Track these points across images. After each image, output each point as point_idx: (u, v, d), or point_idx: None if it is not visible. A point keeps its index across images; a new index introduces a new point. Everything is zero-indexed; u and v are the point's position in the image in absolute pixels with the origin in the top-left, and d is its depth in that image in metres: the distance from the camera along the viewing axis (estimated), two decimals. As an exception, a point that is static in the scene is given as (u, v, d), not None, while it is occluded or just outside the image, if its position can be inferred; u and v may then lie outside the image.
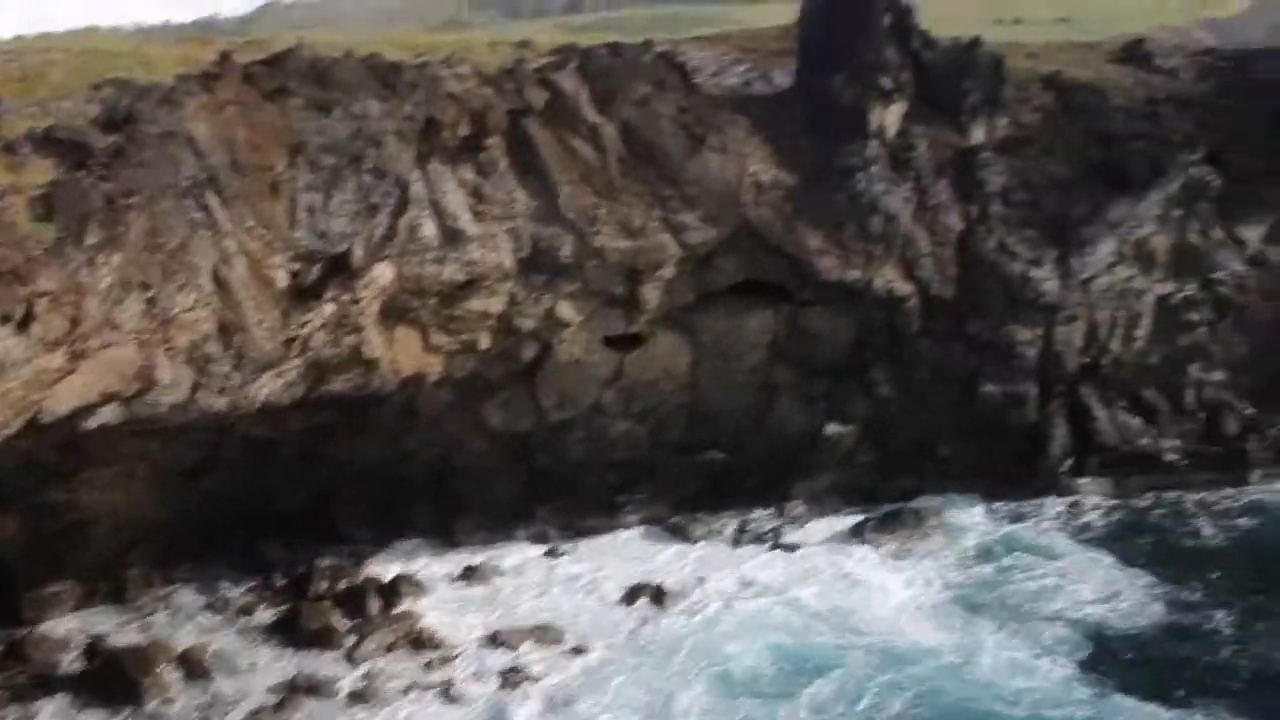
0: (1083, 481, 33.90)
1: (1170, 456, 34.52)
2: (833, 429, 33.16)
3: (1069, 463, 34.08)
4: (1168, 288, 36.09)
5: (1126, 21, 51.17)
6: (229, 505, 27.68)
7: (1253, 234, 37.13)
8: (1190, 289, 36.30)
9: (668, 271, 31.39)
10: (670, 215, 30.93)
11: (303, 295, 25.34)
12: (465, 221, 28.38)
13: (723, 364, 32.94)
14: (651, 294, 31.48)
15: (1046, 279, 34.02)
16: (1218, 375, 36.32)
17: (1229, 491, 33.78)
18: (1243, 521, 32.20)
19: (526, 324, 30.38)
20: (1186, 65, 41.17)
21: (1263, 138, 37.10)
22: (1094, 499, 33.53)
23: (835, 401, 33.54)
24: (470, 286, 28.91)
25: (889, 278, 33.29)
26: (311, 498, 29.28)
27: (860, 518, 31.69)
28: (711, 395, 32.99)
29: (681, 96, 31.45)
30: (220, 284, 23.67)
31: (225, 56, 26.00)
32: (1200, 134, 36.75)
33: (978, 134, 35.63)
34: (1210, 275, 36.44)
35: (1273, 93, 37.82)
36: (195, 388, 23.65)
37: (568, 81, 29.49)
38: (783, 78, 35.34)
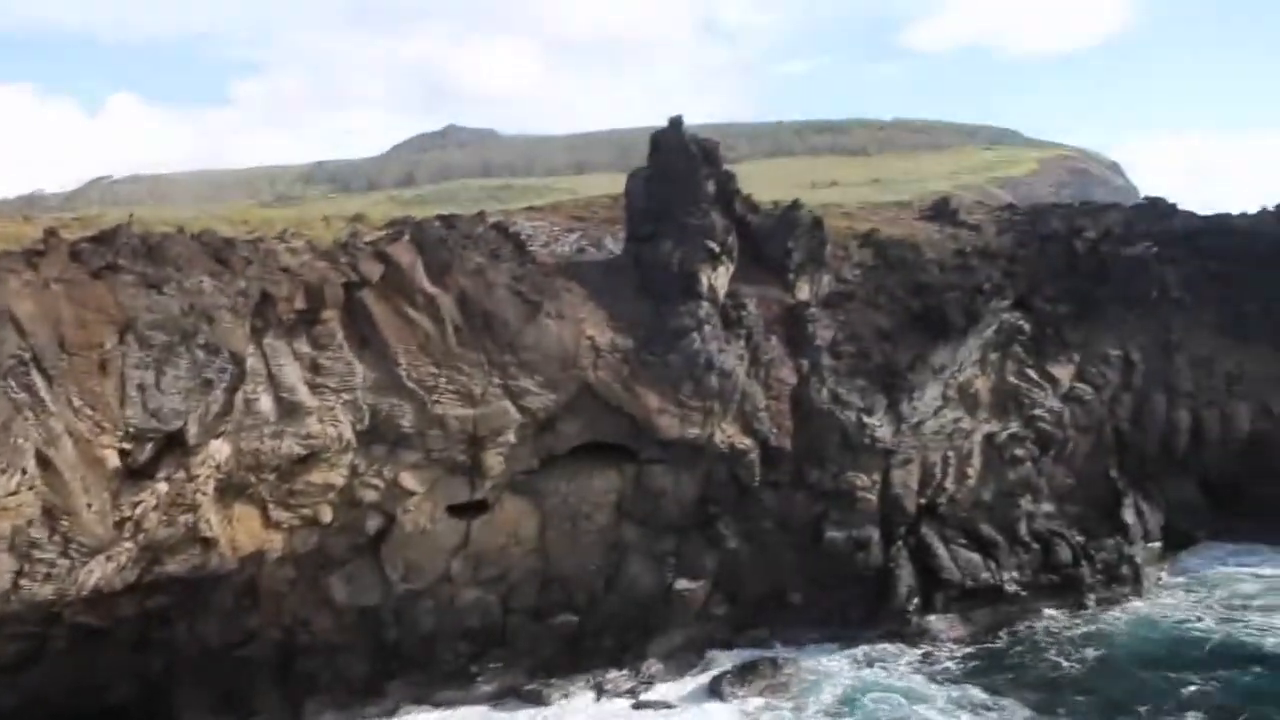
0: (931, 619, 36.66)
1: (1011, 588, 37.86)
2: (683, 584, 35.14)
3: (916, 601, 36.88)
4: (993, 426, 40.32)
5: (931, 181, 57.75)
6: (54, 702, 27.47)
7: (1063, 373, 42.09)
8: (1014, 427, 40.64)
9: (510, 437, 33.36)
10: (510, 381, 33.16)
11: (135, 475, 26.17)
12: (303, 394, 29.89)
13: (571, 526, 34.81)
14: (495, 460, 33.32)
15: (879, 425, 37.54)
16: (1047, 507, 40.40)
17: (1070, 620, 37.10)
18: (1089, 651, 35.11)
19: (369, 495, 31.76)
20: (989, 220, 47.03)
21: (1060, 284, 42.56)
22: (946, 637, 36.22)
23: (684, 557, 35.61)
24: (310, 460, 30.23)
25: (728, 433, 36.16)
26: (147, 687, 29.28)
27: (717, 671, 33.45)
28: (561, 558, 34.70)
29: (516, 265, 34.30)
30: (46, 466, 24.34)
31: (51, 233, 27.34)
32: (1007, 282, 41.85)
33: (804, 290, 39.71)
34: (1030, 413, 40.93)
35: (1064, 243, 43.54)
36: (18, 576, 24.07)
37: (403, 253, 31.89)
38: (614, 244, 38.94)
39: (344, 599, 32.07)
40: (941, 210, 47.34)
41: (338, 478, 31.05)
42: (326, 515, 31.21)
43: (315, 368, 30.38)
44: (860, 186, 60.19)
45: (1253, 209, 50.99)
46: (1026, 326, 41.45)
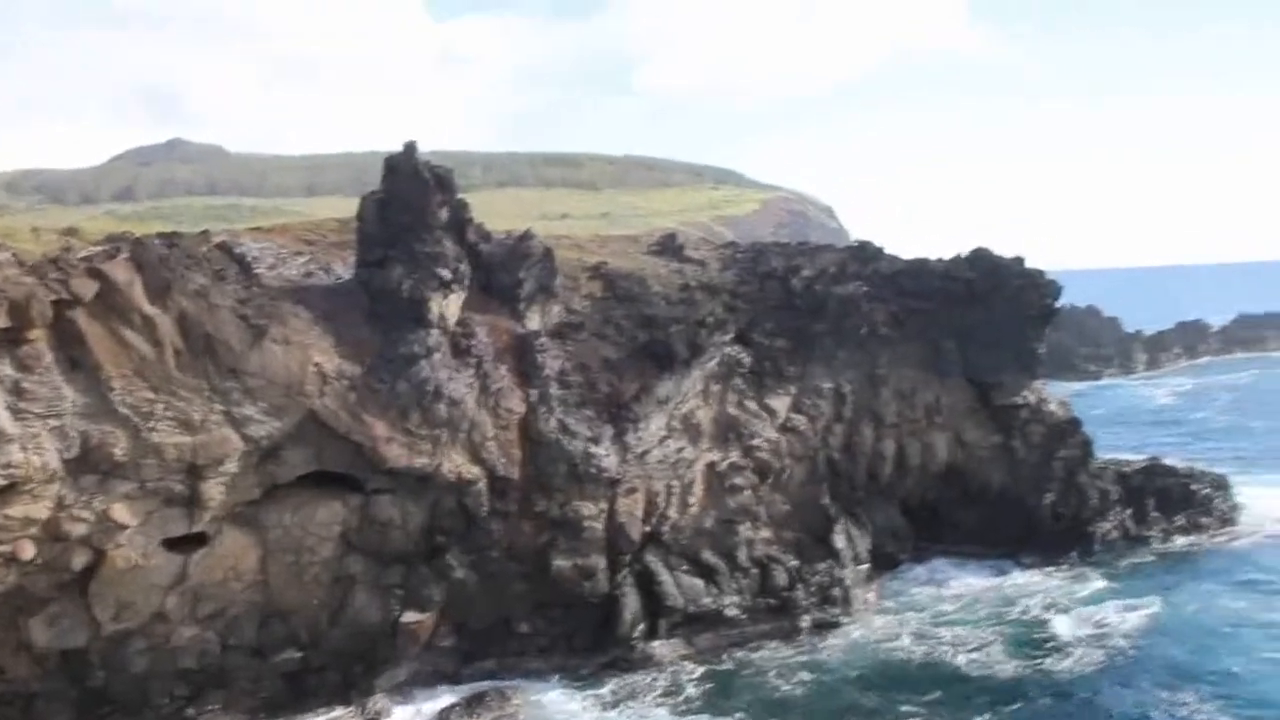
0: (656, 644, 40.82)
1: (732, 612, 42.62)
2: (410, 616, 37.63)
3: (641, 628, 40.94)
4: (715, 456, 45.25)
5: (659, 217, 63.30)
6: None
7: (780, 404, 47.75)
8: (734, 456, 45.73)
9: (231, 466, 34.86)
10: (232, 408, 34.75)
11: None
12: (3, 420, 30.42)
13: (294, 559, 36.60)
14: (215, 491, 34.72)
15: (606, 455, 41.41)
16: (765, 533, 45.62)
17: (788, 643, 42.08)
18: (805, 675, 39.71)
19: (77, 529, 32.41)
20: (713, 257, 52.48)
21: (778, 320, 48.36)
22: (670, 662, 40.40)
23: (411, 588, 38.06)
24: (10, 491, 30.67)
25: (457, 462, 39.04)
26: None
27: (445, 704, 36.17)
28: (284, 592, 36.40)
29: (241, 287, 36.01)
30: None
31: None
32: (729, 317, 47.12)
33: (534, 320, 43.32)
34: (750, 443, 46.19)
35: (782, 281, 49.47)
36: None
37: (119, 271, 32.95)
38: (343, 269, 41.17)
39: (45, 642, 32.51)
40: (668, 246, 52.42)
41: (41, 510, 31.57)
42: (28, 551, 31.58)
43: (19, 391, 30.99)
44: (591, 220, 65.10)
45: (949, 254, 59.25)
46: (746, 360, 46.90)
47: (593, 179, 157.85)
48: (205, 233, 37.55)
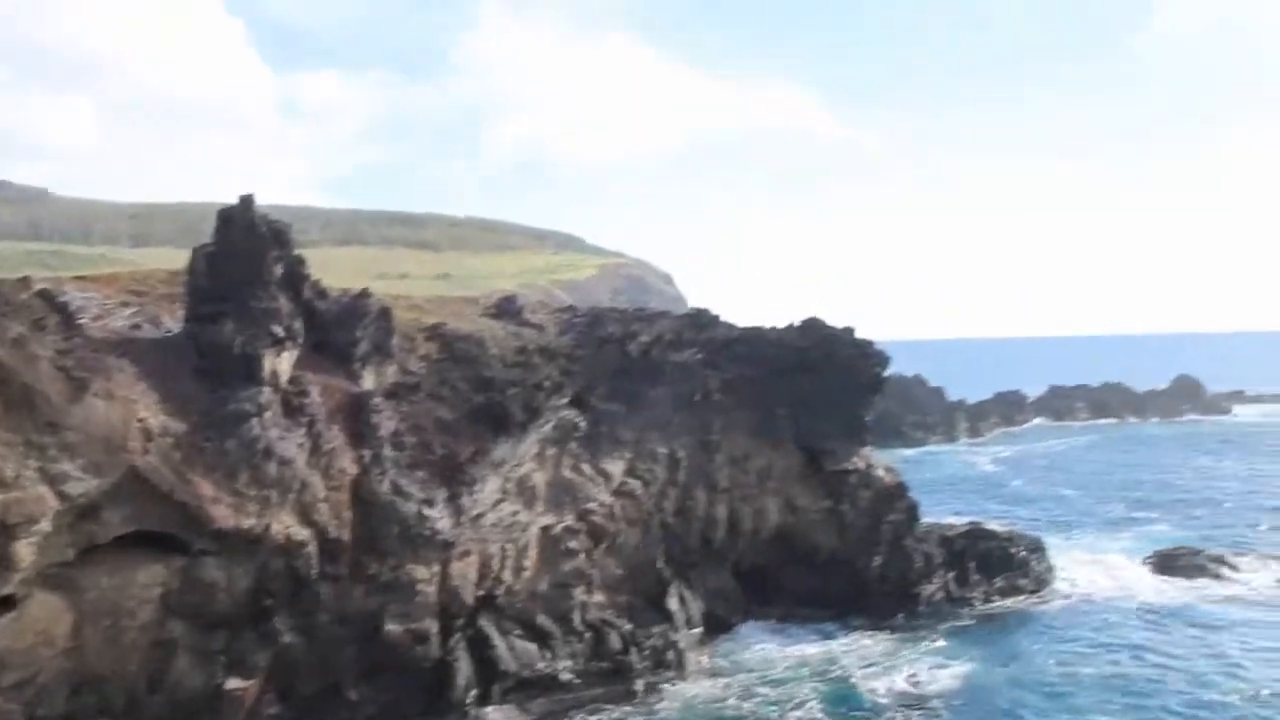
0: (489, 710, 40.73)
1: (565, 676, 42.86)
2: (234, 683, 36.68)
3: (475, 693, 40.81)
4: (549, 519, 45.63)
5: (499, 280, 63.96)
6: None
7: (615, 468, 48.52)
8: (569, 519, 46.21)
9: (45, 526, 33.47)
10: (48, 464, 33.49)
11: None
12: None
13: (111, 623, 35.28)
14: (25, 551, 33.24)
15: (440, 517, 41.37)
16: (599, 596, 46.12)
17: (621, 708, 42.45)
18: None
19: None
20: (551, 321, 53.19)
21: (615, 384, 49.28)
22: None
23: (235, 654, 37.12)
24: None
25: (286, 524, 38.43)
26: None
27: (268, 774, 35.33)
28: (99, 658, 35.01)
29: (62, 338, 34.87)
30: None
31: None
32: (566, 380, 47.76)
33: (369, 380, 43.15)
34: (584, 506, 46.77)
35: (619, 345, 50.50)
36: None
37: (-73, 321, 31.72)
38: (172, 322, 40.31)
39: None
40: (507, 308, 52.93)
41: None
42: None
43: None
44: (431, 280, 65.42)
45: (781, 324, 61.41)
46: (582, 424, 47.59)
47: (434, 239, 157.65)
48: (25, 279, 36.31)
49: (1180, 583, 60.09)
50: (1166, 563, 63.36)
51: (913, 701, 42.59)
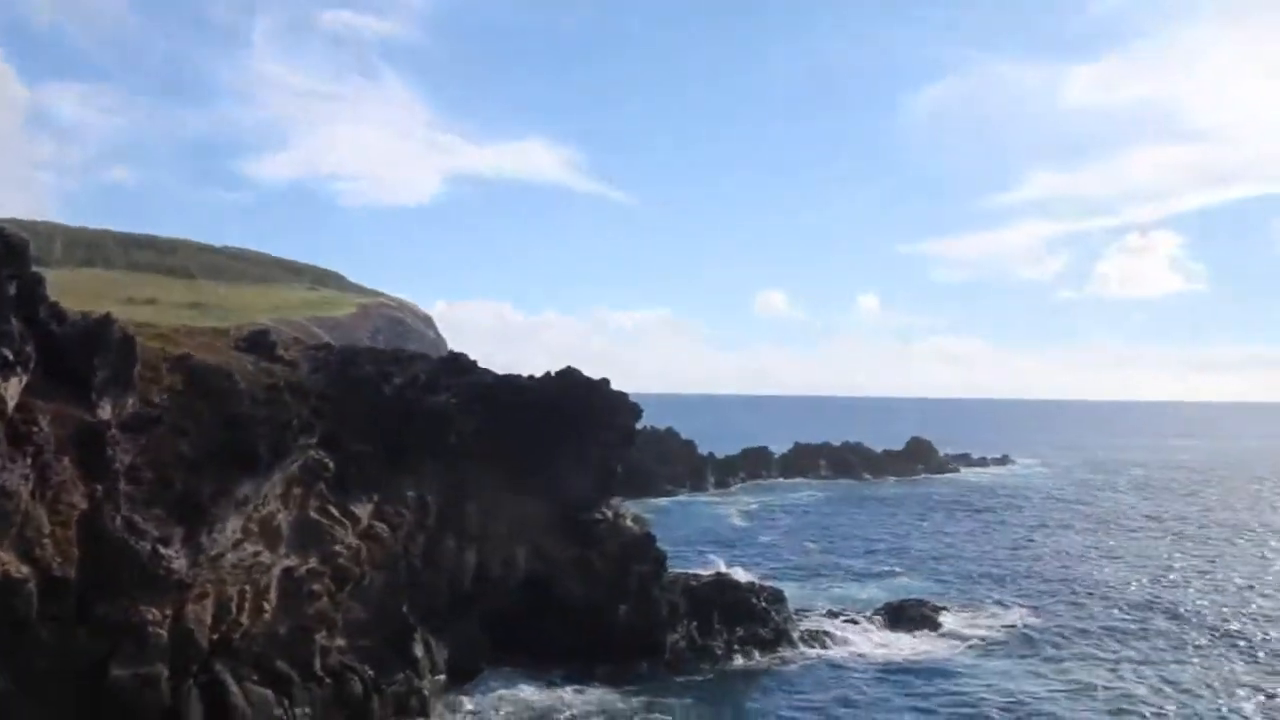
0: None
1: (295, 726, 42.02)
2: (-66, 736, 34.43)
3: (203, 744, 39.50)
4: (293, 561, 44.84)
5: (254, 313, 62.52)
6: None
7: (363, 510, 48.20)
8: (313, 562, 45.52)
9: None
10: None
11: None
12: None
13: None
14: None
15: (176, 556, 40.04)
16: (341, 641, 45.49)
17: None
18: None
19: None
20: (304, 358, 52.51)
21: (366, 425, 49.07)
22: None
23: (-60, 702, 34.92)
24: None
25: (4, 560, 36.38)
26: None
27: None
28: None
29: None
30: None
31: None
32: (316, 420, 47.22)
33: (106, 411, 41.48)
34: (330, 549, 46.20)
35: (372, 387, 50.36)
36: None
37: None
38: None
39: None
40: (258, 342, 51.85)
41: None
42: None
43: None
44: (181, 309, 63.11)
45: (538, 373, 62.47)
46: (331, 464, 47.08)
47: (186, 266, 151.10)
48: None
49: (906, 636, 63.97)
50: (897, 615, 67.28)
51: None
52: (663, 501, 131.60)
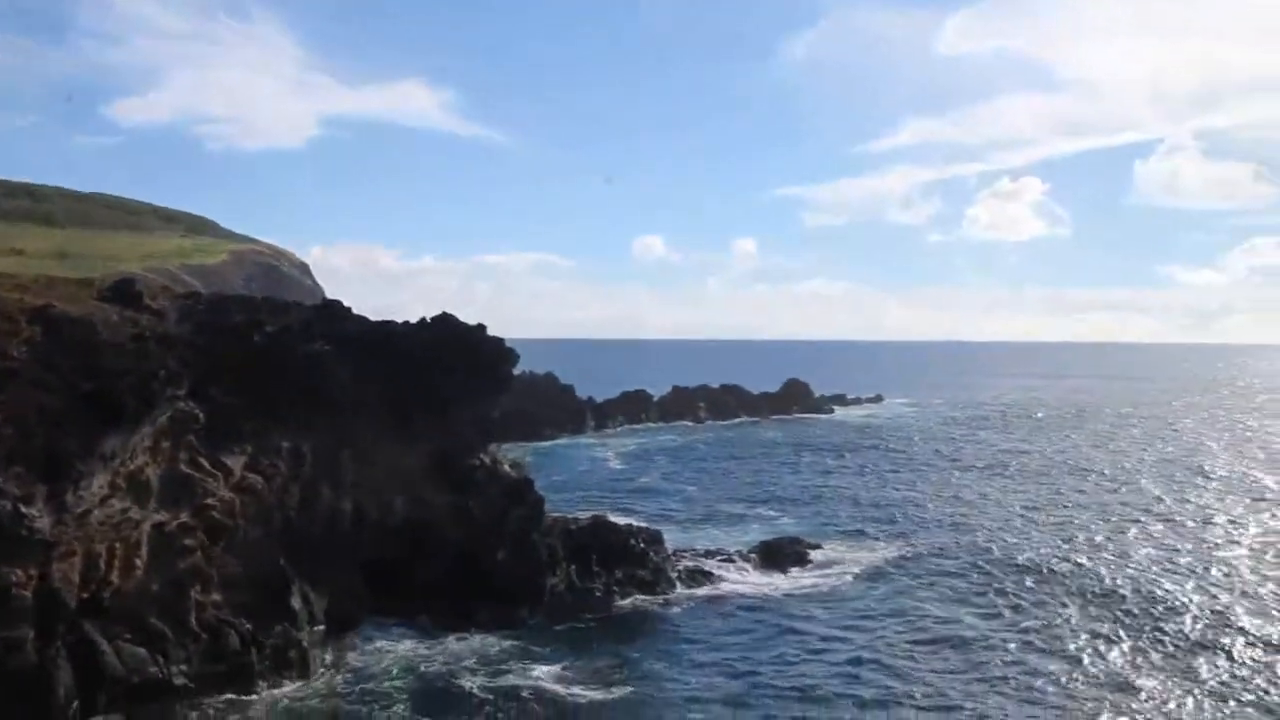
0: (94, 720, 38.67)
1: (180, 680, 41.31)
2: None
3: (77, 704, 38.59)
4: (163, 516, 43.81)
5: (125, 261, 60.39)
6: None
7: (236, 463, 47.26)
8: (184, 516, 44.55)
9: None
10: None
11: None
12: None
13: None
14: None
15: (39, 515, 38.75)
16: (216, 596, 44.74)
17: (240, 716, 41.46)
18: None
19: None
20: (172, 307, 51.04)
21: (237, 375, 47.99)
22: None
23: None
24: None
25: None
26: None
27: None
28: None
29: None
30: None
31: None
32: (184, 370, 46.02)
33: (-41, 366, 39.86)
34: (202, 502, 45.25)
35: (243, 335, 49.23)
36: None
37: None
38: None
39: None
40: (123, 292, 50.20)
41: None
42: None
43: None
44: (47, 259, 60.61)
45: (417, 319, 61.80)
46: (201, 416, 45.95)
47: (53, 214, 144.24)
48: None
49: (780, 573, 65.51)
50: (772, 553, 68.72)
51: (515, 700, 43.25)
52: (543, 445, 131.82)
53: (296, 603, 47.72)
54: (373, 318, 61.82)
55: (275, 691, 43.40)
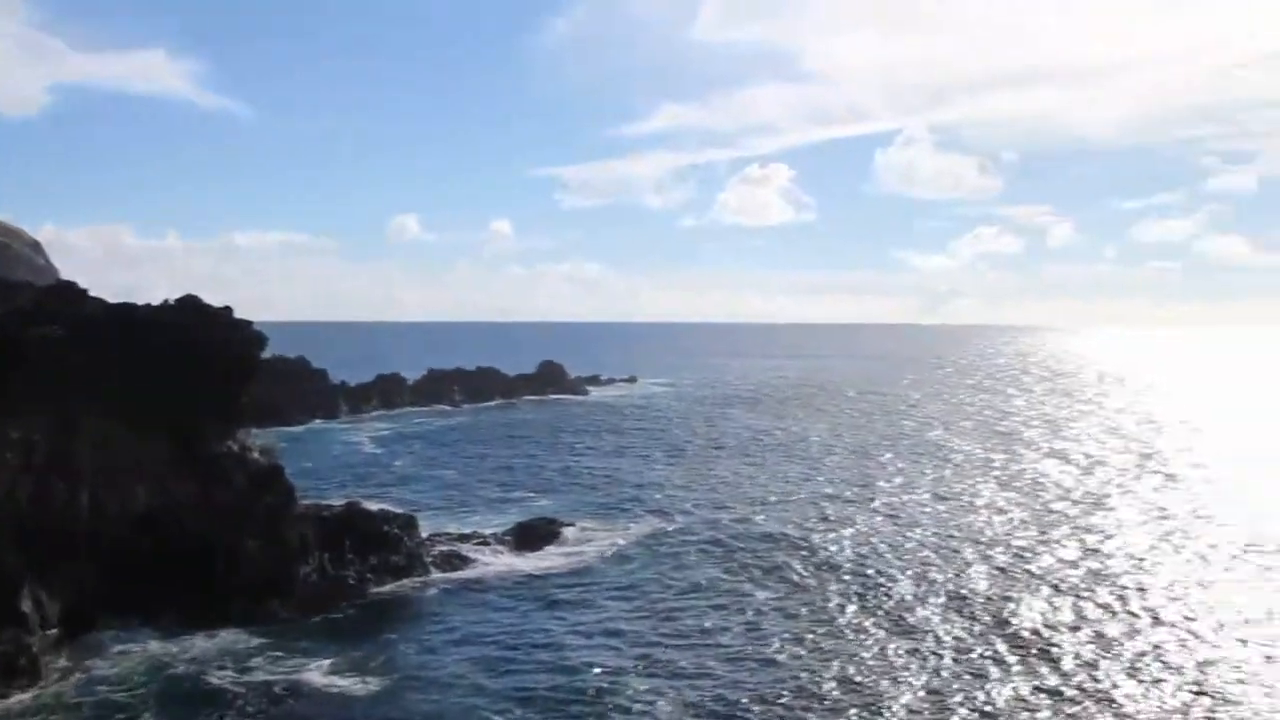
0: None
1: (-110, 692, 38.24)
2: None
3: None
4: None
5: None
6: None
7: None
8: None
9: None
10: None
11: None
12: None
13: None
14: None
15: None
16: (-65, 600, 41.58)
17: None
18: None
19: None
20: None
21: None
22: None
23: None
24: None
25: None
26: None
27: None
28: None
29: None
30: None
31: None
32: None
33: None
34: (-81, 499, 41.95)
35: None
36: None
37: None
38: None
39: None
40: None
41: None
42: None
43: None
44: None
45: (158, 301, 59.05)
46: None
47: None
48: None
49: (535, 552, 66.13)
50: (527, 533, 69.23)
51: (268, 695, 41.85)
52: (294, 431, 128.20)
53: (27, 605, 44.97)
54: (112, 300, 58.73)
55: (4, 703, 40.57)
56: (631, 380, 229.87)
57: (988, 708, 40.27)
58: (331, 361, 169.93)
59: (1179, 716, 39.41)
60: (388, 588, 58.06)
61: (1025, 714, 39.75)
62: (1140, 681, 42.79)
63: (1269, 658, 45.64)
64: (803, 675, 43.65)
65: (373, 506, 66.30)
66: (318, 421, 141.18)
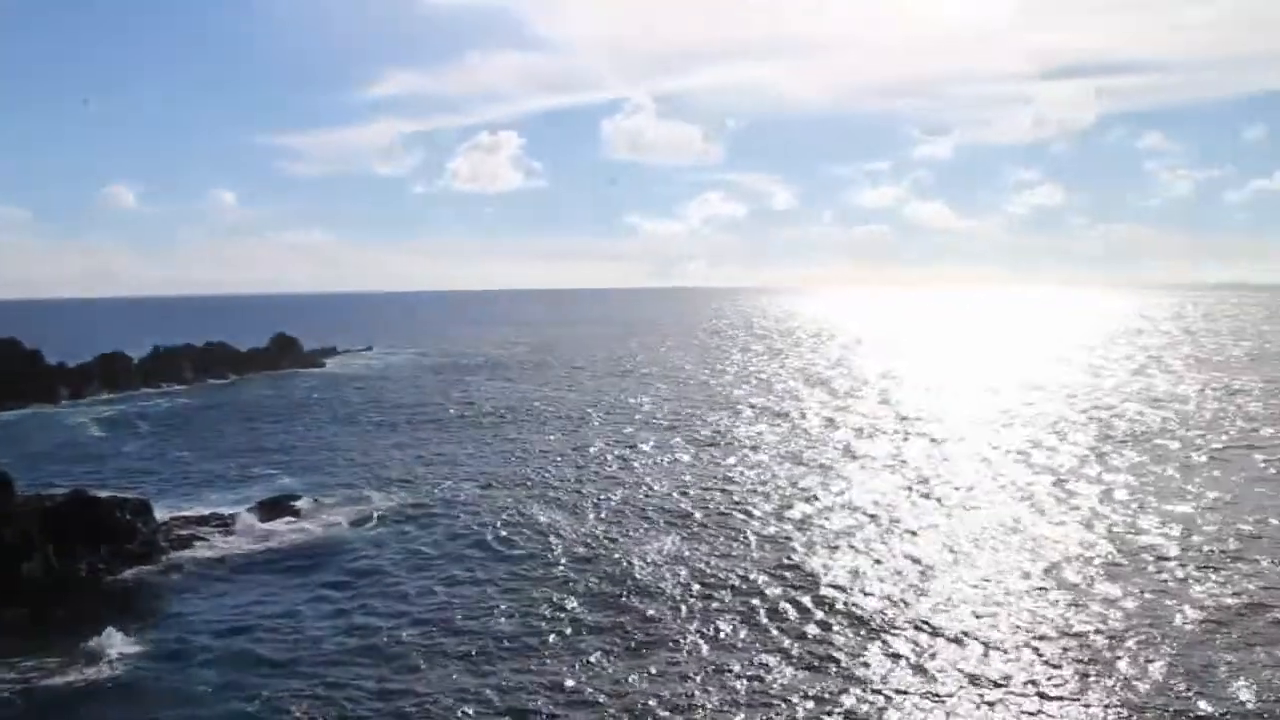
0: None
1: None
2: None
3: None
4: None
5: None
6: None
7: None
8: None
9: None
10: None
11: None
12: None
13: None
14: None
15: None
16: None
17: None
18: None
19: None
20: None
21: None
22: None
23: None
24: None
25: None
26: None
27: None
28: None
29: None
30: None
31: None
32: None
33: None
34: None
35: None
36: None
37: None
38: None
39: None
40: None
41: None
42: None
43: None
44: None
45: None
46: None
47: None
48: None
49: (276, 528, 65.99)
50: (268, 510, 68.92)
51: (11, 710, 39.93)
52: (8, 418, 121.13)
53: None
54: None
55: None
56: (368, 350, 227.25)
57: (705, 664, 43.90)
58: (45, 343, 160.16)
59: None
60: (126, 574, 56.69)
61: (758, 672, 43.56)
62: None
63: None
64: (531, 642, 45.54)
65: (102, 493, 64.40)
66: (33, 407, 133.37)
